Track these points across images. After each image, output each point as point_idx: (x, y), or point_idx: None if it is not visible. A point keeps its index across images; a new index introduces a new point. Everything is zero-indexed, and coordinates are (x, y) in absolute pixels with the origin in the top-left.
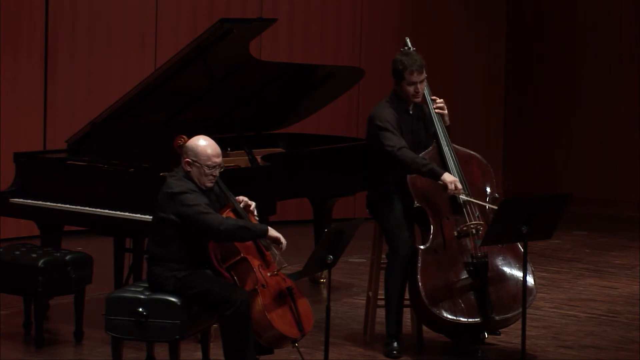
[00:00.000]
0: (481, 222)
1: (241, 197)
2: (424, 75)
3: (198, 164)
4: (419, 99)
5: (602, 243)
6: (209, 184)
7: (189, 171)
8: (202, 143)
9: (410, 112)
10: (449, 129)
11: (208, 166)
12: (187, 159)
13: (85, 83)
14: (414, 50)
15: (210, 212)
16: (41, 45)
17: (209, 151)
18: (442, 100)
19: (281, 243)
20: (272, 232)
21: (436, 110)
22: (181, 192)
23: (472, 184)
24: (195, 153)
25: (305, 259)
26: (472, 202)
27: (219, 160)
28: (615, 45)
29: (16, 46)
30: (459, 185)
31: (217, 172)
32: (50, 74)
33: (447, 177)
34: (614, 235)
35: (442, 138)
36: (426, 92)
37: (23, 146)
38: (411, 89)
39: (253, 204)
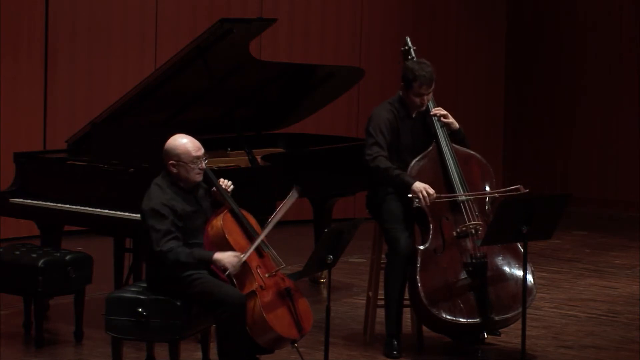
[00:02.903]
0: (480, 222)
1: (225, 181)
2: (433, 87)
3: (182, 163)
4: (423, 109)
5: (602, 243)
6: (199, 178)
7: (177, 173)
8: (180, 142)
9: (413, 116)
10: (459, 132)
11: (192, 161)
12: (171, 162)
13: (85, 83)
14: (419, 58)
15: (166, 239)
16: (41, 45)
17: (189, 147)
18: (439, 108)
19: (227, 270)
20: (217, 256)
21: (442, 120)
22: (150, 209)
23: (471, 184)
24: (177, 154)
25: (305, 259)
26: (471, 197)
27: (200, 152)
28: (615, 45)
29: (16, 46)
30: (431, 191)
31: (203, 165)
32: (50, 74)
33: (417, 186)
34: (614, 235)
35: (442, 138)
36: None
37: (23, 146)
38: (417, 100)
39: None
